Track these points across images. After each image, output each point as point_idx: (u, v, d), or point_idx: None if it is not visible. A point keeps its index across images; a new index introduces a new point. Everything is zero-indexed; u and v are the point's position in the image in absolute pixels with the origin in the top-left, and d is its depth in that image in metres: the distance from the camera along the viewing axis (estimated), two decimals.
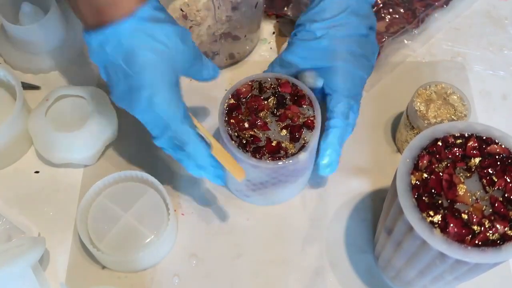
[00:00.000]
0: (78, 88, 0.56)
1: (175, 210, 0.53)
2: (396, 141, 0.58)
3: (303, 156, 0.46)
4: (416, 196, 0.39)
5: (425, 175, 0.39)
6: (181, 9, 0.56)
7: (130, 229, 0.49)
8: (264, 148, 0.47)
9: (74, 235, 0.52)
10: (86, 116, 0.54)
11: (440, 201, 0.38)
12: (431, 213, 0.38)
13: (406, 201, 0.38)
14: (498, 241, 0.37)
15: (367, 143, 0.58)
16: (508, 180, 0.39)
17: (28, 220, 0.52)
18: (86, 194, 0.50)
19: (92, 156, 0.55)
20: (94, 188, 0.51)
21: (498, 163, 0.40)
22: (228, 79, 0.62)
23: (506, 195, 0.38)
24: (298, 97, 0.49)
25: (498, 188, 0.39)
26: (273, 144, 0.47)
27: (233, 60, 0.62)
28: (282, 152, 0.46)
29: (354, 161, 0.57)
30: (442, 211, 0.38)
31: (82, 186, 0.55)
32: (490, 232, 0.37)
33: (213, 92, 0.61)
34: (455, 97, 0.53)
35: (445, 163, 0.40)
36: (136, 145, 0.57)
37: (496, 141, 0.41)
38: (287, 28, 0.66)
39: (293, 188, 0.53)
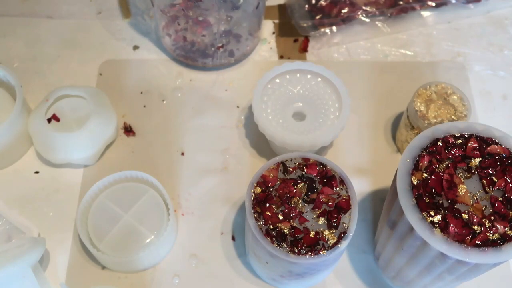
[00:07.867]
0: (78, 88, 0.56)
1: (175, 210, 0.53)
2: (396, 141, 0.58)
3: (344, 245, 0.41)
4: (416, 196, 0.39)
5: (425, 175, 0.39)
6: (181, 9, 0.56)
7: (130, 230, 0.49)
8: (302, 241, 0.41)
9: (74, 235, 0.52)
10: (86, 116, 0.54)
11: (440, 201, 0.38)
12: (432, 213, 0.38)
13: (406, 201, 0.38)
14: (498, 241, 0.37)
15: (367, 143, 0.58)
16: (508, 180, 0.39)
17: (28, 220, 0.52)
18: (86, 194, 0.50)
19: (92, 156, 0.55)
20: (94, 189, 0.51)
21: (498, 163, 0.40)
22: (228, 79, 0.62)
23: (506, 195, 0.38)
24: (328, 179, 0.44)
25: (498, 188, 0.39)
26: (311, 235, 0.41)
27: (233, 59, 0.62)
28: (321, 242, 0.41)
29: (354, 161, 0.57)
30: (442, 211, 0.38)
31: (82, 186, 0.55)
32: (490, 232, 0.37)
33: (213, 92, 0.61)
34: (455, 97, 0.53)
35: (446, 163, 0.40)
36: (136, 145, 0.57)
37: (496, 141, 0.41)
38: (287, 29, 0.67)
39: (331, 269, 0.49)
